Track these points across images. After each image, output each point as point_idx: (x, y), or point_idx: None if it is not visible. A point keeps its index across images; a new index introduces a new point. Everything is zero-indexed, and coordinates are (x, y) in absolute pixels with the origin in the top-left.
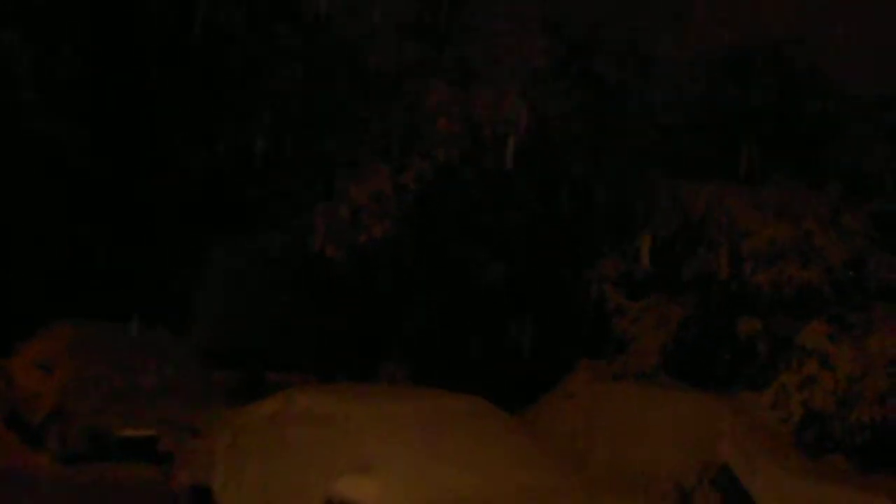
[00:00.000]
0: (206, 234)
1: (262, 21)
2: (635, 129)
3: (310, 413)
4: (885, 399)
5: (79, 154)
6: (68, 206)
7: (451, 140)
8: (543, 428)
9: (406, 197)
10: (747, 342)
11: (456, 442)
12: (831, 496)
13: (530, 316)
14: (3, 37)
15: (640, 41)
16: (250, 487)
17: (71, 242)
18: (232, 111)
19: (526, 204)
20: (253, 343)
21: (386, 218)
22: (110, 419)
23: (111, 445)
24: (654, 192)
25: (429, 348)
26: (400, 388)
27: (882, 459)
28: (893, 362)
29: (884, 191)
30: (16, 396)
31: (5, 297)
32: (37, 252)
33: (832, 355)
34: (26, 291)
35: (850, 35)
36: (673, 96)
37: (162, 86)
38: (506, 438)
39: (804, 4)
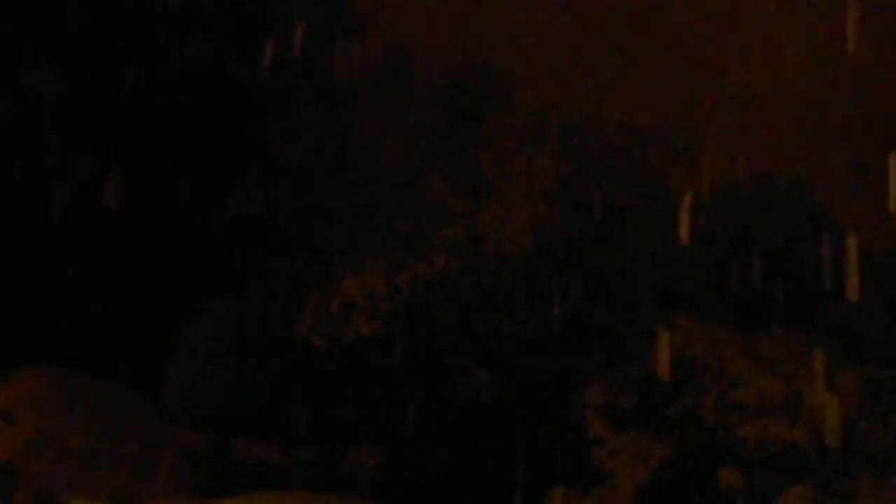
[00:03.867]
0: (196, 293)
1: (284, 85)
2: (636, 261)
3: None
4: None
5: (90, 190)
6: (58, 248)
7: (453, 248)
8: None
9: (399, 298)
10: (727, 495)
11: None
12: None
13: (509, 432)
14: (30, 81)
15: (649, 170)
16: None
17: (56, 284)
18: (244, 177)
19: (520, 320)
20: (223, 409)
21: (377, 318)
22: (62, 484)
23: None
24: (649, 324)
25: (399, 449)
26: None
27: None
28: None
29: (878, 355)
30: None
31: None
32: (14, 291)
33: None
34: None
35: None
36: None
37: (181, 144)
38: None
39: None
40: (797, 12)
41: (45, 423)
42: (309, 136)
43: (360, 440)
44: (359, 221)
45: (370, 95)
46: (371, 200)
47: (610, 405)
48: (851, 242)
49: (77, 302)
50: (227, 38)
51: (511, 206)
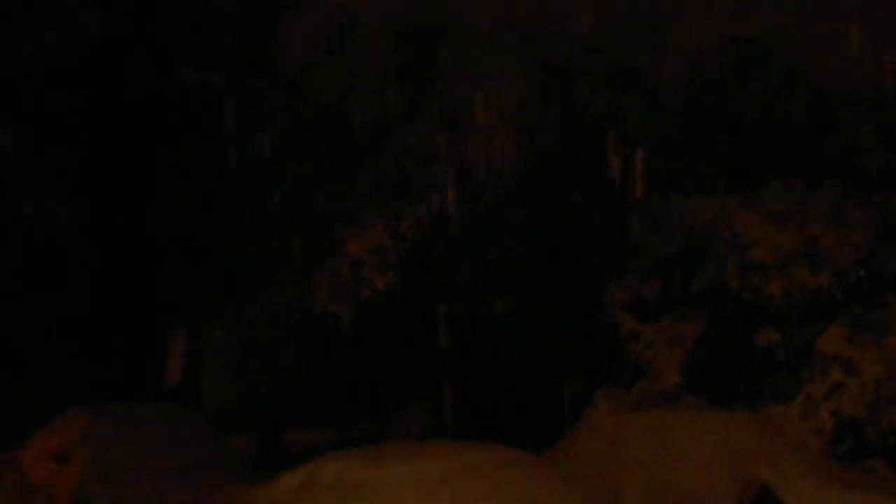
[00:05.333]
0: (210, 301)
1: (239, 79)
2: (625, 151)
3: (340, 483)
4: None
5: (76, 234)
6: (67, 287)
7: (444, 184)
8: (571, 466)
9: (405, 245)
10: (766, 354)
11: (490, 497)
12: None
13: (543, 350)
14: None
15: (621, 58)
16: None
17: (74, 323)
18: (221, 177)
19: (526, 237)
20: (265, 405)
21: (387, 269)
22: None
23: None
24: (654, 211)
25: (443, 395)
26: (425, 445)
27: None
28: None
29: (885, 185)
30: (29, 491)
31: (13, 385)
32: (41, 337)
33: (855, 360)
34: (33, 377)
35: (828, 34)
36: (658, 111)
37: (151, 158)
38: (539, 486)
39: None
40: None
41: (99, 455)
42: (274, 122)
43: (404, 399)
44: (348, 185)
45: (325, 66)
46: (352, 163)
47: (635, 298)
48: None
49: (97, 336)
50: (173, 48)
51: (492, 128)
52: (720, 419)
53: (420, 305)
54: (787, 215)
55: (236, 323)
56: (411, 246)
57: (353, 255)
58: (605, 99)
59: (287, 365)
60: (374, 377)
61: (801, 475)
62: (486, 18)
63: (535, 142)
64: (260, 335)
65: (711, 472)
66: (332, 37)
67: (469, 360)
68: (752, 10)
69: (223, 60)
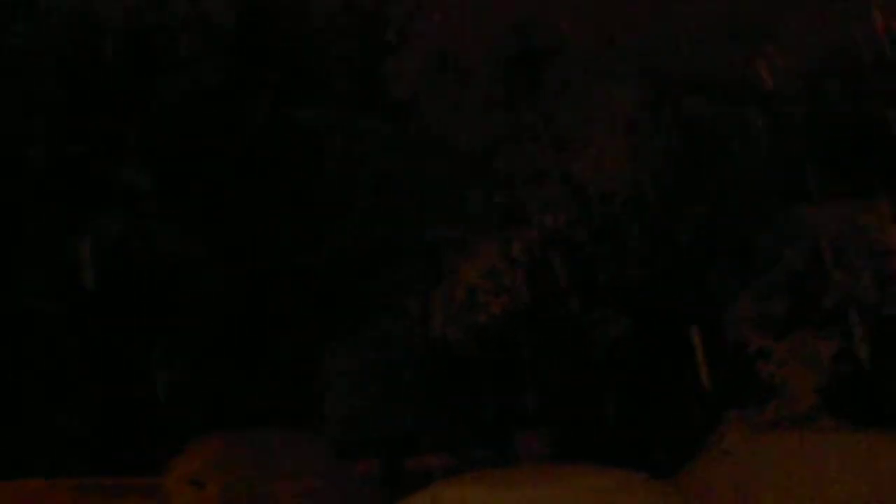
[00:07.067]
0: (327, 330)
1: (348, 114)
2: (744, 163)
3: None
4: None
5: (199, 268)
6: (191, 326)
7: (555, 205)
8: (701, 492)
9: (518, 269)
10: None
11: None
12: None
13: (664, 370)
14: (133, 178)
15: (731, 66)
16: None
17: (202, 355)
18: (332, 208)
19: (643, 256)
20: (387, 430)
21: (502, 293)
22: None
23: None
24: (780, 222)
25: (564, 416)
26: (545, 469)
27: None
28: None
29: None
30: None
31: (152, 413)
32: (173, 372)
33: None
34: (171, 406)
35: None
36: (774, 119)
37: (269, 194)
38: None
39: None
40: None
41: (233, 480)
42: (383, 153)
43: (523, 423)
44: (457, 211)
45: (431, 95)
46: (460, 189)
47: (762, 314)
48: None
49: (224, 370)
50: (287, 89)
51: (602, 146)
52: (864, 441)
53: (535, 328)
54: None
55: (357, 349)
56: (524, 269)
57: (467, 280)
58: (718, 109)
59: (407, 389)
60: (493, 401)
61: None
62: (589, 36)
63: (648, 157)
64: (380, 361)
65: (855, 499)
66: (437, 66)
67: (587, 383)
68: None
69: (333, 98)
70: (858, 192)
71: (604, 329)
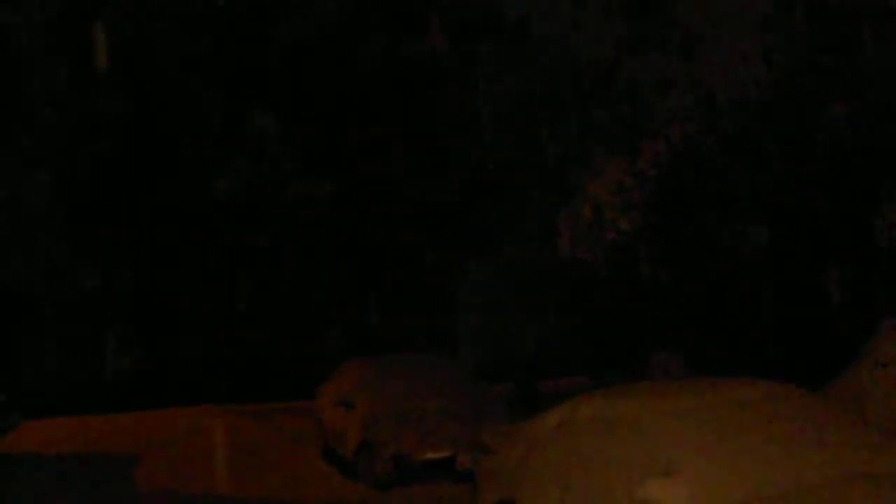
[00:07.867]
0: (458, 258)
1: (463, 41)
2: (886, 58)
3: (599, 419)
4: None
5: (332, 207)
6: (327, 262)
7: (683, 115)
8: (855, 405)
9: (647, 183)
10: None
11: (763, 433)
12: None
13: (806, 279)
14: (261, 122)
15: None
16: (552, 500)
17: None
18: (452, 134)
19: (778, 162)
20: (519, 355)
21: (631, 209)
22: (410, 445)
23: (415, 469)
24: None
25: (700, 331)
26: (686, 383)
27: None
28: None
29: None
30: (327, 434)
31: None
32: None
33: None
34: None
35: None
36: None
37: (387, 128)
38: (813, 420)
39: None
40: None
41: (379, 401)
42: (500, 77)
43: (657, 344)
44: (580, 128)
45: (545, 12)
46: (582, 104)
47: None
48: None
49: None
50: (400, 22)
51: (730, 46)
52: None
53: (667, 243)
54: None
55: (488, 275)
56: (653, 182)
57: (594, 198)
58: None
59: (539, 313)
60: (626, 321)
61: None
62: None
63: (783, 57)
64: (510, 285)
65: None
66: None
67: (722, 296)
68: None
69: (446, 26)
70: None
71: (741, 242)
